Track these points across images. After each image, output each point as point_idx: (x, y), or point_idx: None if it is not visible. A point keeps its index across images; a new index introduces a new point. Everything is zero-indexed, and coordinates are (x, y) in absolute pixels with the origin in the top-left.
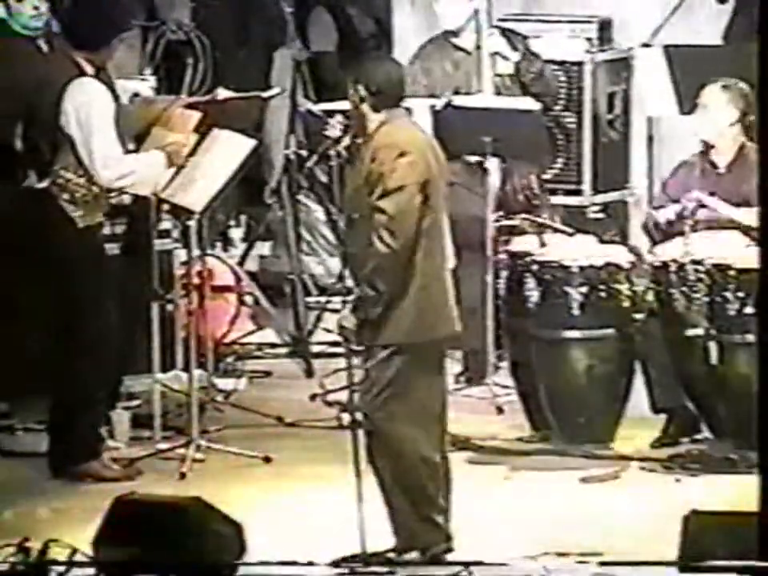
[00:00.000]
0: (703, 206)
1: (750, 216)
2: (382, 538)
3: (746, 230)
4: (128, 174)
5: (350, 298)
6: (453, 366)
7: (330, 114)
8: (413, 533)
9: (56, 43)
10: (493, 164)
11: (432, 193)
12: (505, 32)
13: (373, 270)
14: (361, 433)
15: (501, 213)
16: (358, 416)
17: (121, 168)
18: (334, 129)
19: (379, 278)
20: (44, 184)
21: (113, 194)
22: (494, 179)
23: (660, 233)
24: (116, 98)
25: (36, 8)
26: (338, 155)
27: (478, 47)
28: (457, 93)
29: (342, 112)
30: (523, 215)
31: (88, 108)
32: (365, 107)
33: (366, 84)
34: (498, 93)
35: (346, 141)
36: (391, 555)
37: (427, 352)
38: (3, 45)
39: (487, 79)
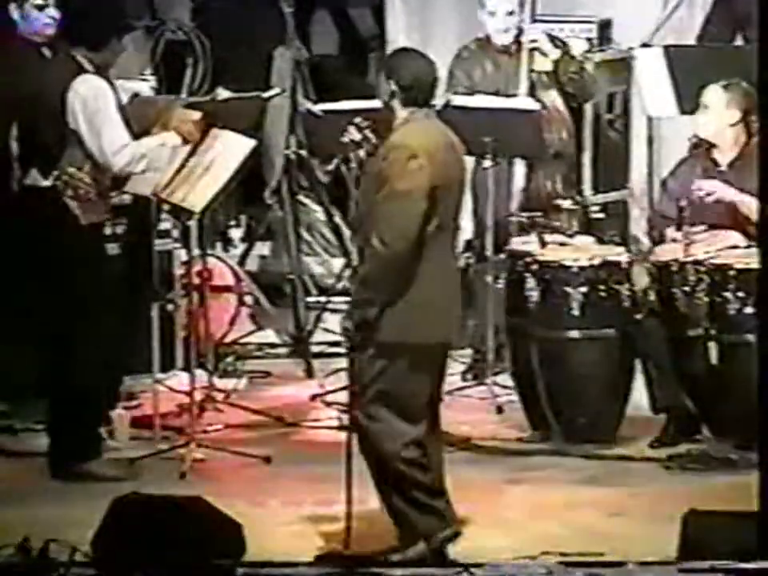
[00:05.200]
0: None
1: (752, 205)
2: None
3: (745, 232)
4: (141, 158)
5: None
6: (455, 365)
7: (352, 115)
8: (412, 523)
9: (58, 47)
10: (519, 164)
11: (442, 198)
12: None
13: (368, 270)
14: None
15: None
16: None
17: (132, 152)
18: (354, 133)
19: (373, 278)
20: (48, 182)
21: (113, 194)
22: (519, 179)
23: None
24: (116, 97)
25: (52, 17)
26: (359, 159)
27: (518, 44)
28: (496, 94)
29: (357, 111)
30: (522, 214)
31: (94, 100)
32: (395, 103)
33: (397, 79)
34: (532, 90)
35: (368, 144)
36: (396, 555)
37: (418, 354)
38: (8, 48)
39: (524, 75)
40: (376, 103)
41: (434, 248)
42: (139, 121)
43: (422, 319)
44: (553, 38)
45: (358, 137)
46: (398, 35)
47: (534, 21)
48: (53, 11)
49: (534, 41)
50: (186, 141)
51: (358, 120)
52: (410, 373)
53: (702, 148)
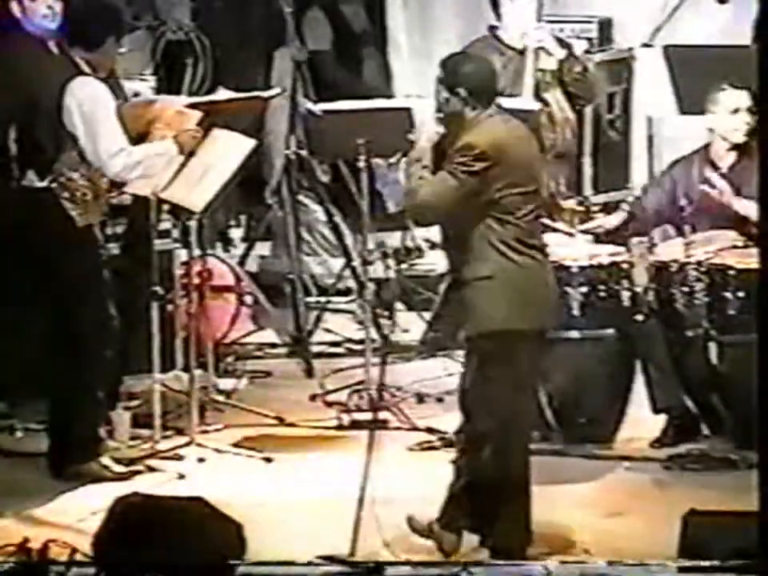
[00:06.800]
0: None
1: (752, 209)
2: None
3: (744, 231)
4: (136, 164)
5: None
6: (456, 366)
7: (352, 115)
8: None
9: (64, 45)
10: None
11: (518, 189)
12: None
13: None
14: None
15: None
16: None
17: (128, 158)
18: (420, 133)
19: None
20: (44, 183)
21: (113, 194)
22: None
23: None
24: (119, 97)
25: (50, 7)
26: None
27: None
28: (503, 93)
29: (357, 111)
30: None
31: (90, 102)
32: (466, 109)
33: (467, 86)
34: (537, 88)
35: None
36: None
37: (521, 342)
38: (11, 46)
39: (529, 74)
40: (376, 103)
41: (512, 238)
42: (139, 121)
43: (522, 305)
44: (558, 38)
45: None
46: (398, 33)
47: (540, 20)
48: (51, 1)
49: (540, 40)
50: (182, 151)
51: (427, 121)
52: (514, 363)
53: (699, 149)
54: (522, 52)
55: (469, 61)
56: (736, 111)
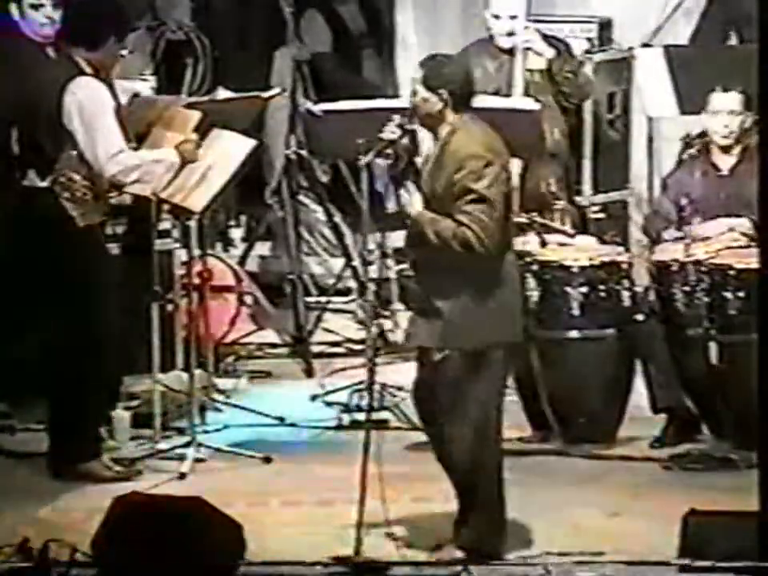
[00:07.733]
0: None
1: (748, 225)
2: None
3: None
4: (134, 168)
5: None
6: None
7: (352, 115)
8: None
9: (62, 48)
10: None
11: (508, 196)
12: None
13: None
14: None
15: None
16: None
17: (126, 161)
18: (392, 132)
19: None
20: (45, 183)
21: (113, 194)
22: (513, 179)
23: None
24: (116, 98)
25: (49, 17)
26: (395, 156)
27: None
28: (496, 94)
29: (356, 111)
30: (524, 215)
31: (89, 103)
32: (447, 111)
33: (450, 87)
34: (527, 89)
35: (402, 143)
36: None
37: (481, 356)
38: (11, 48)
39: (519, 75)
40: (376, 103)
41: (508, 247)
42: (139, 121)
43: (507, 319)
44: (547, 37)
45: (395, 135)
46: (408, 33)
47: (530, 20)
48: (50, 11)
49: (527, 40)
50: (184, 160)
51: (398, 119)
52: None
53: (701, 150)
54: (511, 53)
55: (450, 63)
56: (716, 113)
